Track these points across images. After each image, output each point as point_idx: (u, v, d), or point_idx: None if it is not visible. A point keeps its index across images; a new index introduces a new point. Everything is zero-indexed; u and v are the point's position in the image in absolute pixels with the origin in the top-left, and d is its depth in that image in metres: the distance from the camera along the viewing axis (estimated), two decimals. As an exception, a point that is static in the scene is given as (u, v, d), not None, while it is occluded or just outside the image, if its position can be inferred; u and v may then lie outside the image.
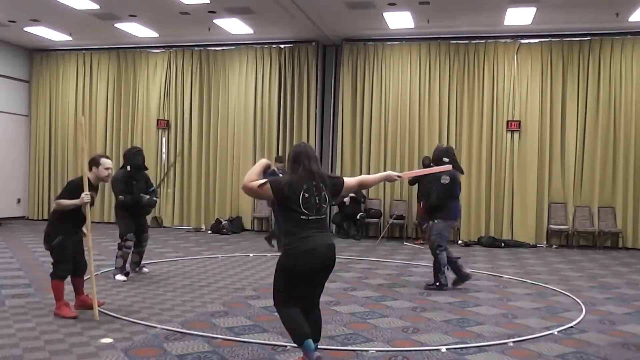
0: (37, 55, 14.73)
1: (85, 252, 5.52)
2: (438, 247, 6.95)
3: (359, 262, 9.14)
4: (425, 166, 11.12)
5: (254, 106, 13.34)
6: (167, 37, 13.12)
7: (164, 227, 13.63)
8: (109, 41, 13.62)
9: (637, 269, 9.15)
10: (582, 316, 5.78)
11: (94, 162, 5.53)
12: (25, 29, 12.58)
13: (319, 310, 4.05)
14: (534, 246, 11.71)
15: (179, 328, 5.00)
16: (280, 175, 8.63)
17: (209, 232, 13.01)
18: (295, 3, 10.27)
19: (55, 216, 5.46)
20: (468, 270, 7.18)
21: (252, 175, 3.93)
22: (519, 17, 10.76)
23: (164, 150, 13.92)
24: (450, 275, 7.10)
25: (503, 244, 11.55)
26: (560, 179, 11.96)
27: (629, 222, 11.53)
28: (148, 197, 7.34)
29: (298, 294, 3.87)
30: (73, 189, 5.34)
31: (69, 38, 13.27)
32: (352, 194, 11.81)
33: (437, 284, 6.99)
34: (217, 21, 11.52)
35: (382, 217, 12.51)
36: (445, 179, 6.91)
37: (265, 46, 13.29)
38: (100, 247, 9.81)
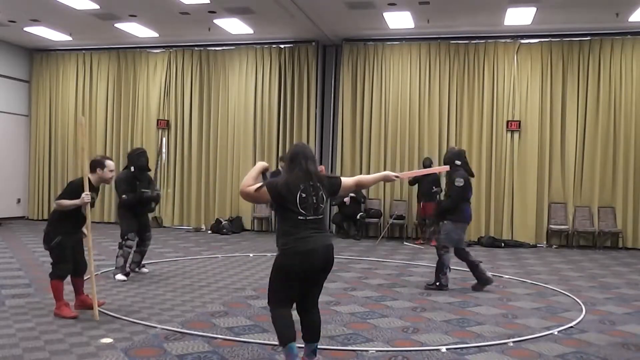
0: (37, 55, 14.73)
1: (85, 252, 5.52)
2: (443, 247, 6.92)
3: (359, 262, 9.14)
4: (425, 167, 11.14)
5: (254, 106, 13.34)
6: (167, 37, 13.12)
7: (164, 227, 13.63)
8: (109, 41, 13.62)
9: (637, 269, 9.15)
10: (582, 316, 5.78)
11: (98, 164, 5.52)
12: (25, 29, 12.58)
13: (317, 311, 4.03)
14: (534, 246, 11.72)
15: (179, 328, 5.00)
16: None
17: (209, 232, 13.01)
18: (295, 3, 10.27)
19: (55, 216, 5.46)
20: (490, 274, 7.07)
21: (249, 180, 3.90)
22: (519, 17, 10.76)
23: (164, 150, 13.89)
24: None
25: (503, 244, 11.56)
26: (560, 179, 11.96)
27: (629, 222, 11.53)
28: (150, 191, 7.35)
29: (294, 294, 3.85)
30: (73, 189, 5.34)
31: (69, 38, 13.28)
32: (352, 194, 11.81)
33: (437, 284, 6.98)
34: (217, 21, 11.52)
35: (382, 217, 12.51)
36: (460, 182, 6.84)
37: (265, 46, 13.29)
38: (100, 247, 9.81)
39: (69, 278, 5.48)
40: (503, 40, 12.17)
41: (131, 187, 7.24)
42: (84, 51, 14.39)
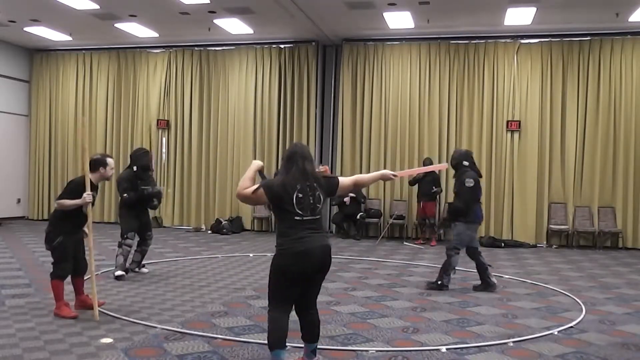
0: (37, 55, 14.73)
1: (86, 252, 5.52)
2: (454, 248, 6.87)
3: (359, 262, 9.14)
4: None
5: (254, 106, 13.34)
6: (167, 37, 13.12)
7: (164, 227, 13.63)
8: (109, 41, 13.62)
9: (637, 269, 9.15)
10: (582, 316, 5.78)
11: (101, 163, 5.53)
12: (25, 29, 12.58)
13: (316, 311, 4.01)
14: (534, 246, 11.71)
15: (179, 328, 5.01)
16: None
17: (209, 232, 13.01)
18: (295, 3, 10.27)
19: (56, 216, 5.46)
20: (495, 280, 7.05)
21: (246, 182, 3.86)
22: (519, 17, 10.76)
23: (164, 150, 13.92)
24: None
25: (503, 244, 11.55)
26: (560, 179, 11.96)
27: (629, 222, 11.53)
28: (150, 188, 7.36)
29: (293, 295, 3.82)
30: (73, 188, 5.34)
31: (69, 38, 13.28)
32: (352, 194, 11.81)
33: (439, 282, 6.95)
34: (217, 21, 11.52)
35: (382, 217, 12.51)
36: (470, 182, 6.78)
37: (265, 46, 13.29)
38: (100, 247, 9.81)
39: (69, 278, 5.48)
40: (503, 40, 12.17)
41: (132, 186, 7.26)
42: (84, 51, 14.39)
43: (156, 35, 12.81)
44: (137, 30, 12.41)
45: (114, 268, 7.34)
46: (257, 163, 4.04)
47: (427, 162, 11.52)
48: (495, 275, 8.02)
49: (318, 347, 4.08)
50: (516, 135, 12.10)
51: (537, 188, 11.91)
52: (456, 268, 7.05)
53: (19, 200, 14.69)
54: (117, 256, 7.26)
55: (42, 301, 5.87)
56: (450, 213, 7.15)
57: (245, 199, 3.87)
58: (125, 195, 7.24)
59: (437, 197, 11.78)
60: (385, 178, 4.28)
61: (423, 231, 11.83)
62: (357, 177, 4.26)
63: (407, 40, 12.63)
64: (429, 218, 11.59)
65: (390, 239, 12.23)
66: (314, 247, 3.74)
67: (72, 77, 14.54)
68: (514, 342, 4.85)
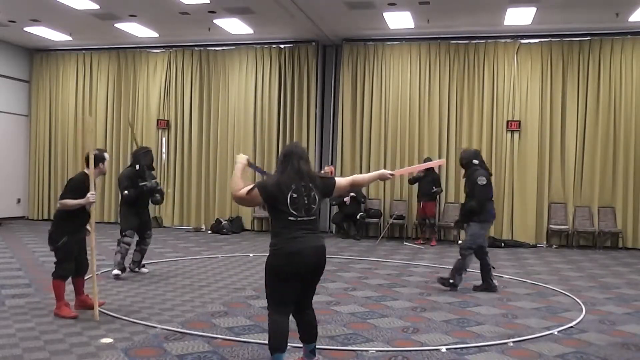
0: (37, 55, 14.73)
1: (88, 252, 5.52)
2: (468, 248, 6.80)
3: (359, 262, 9.13)
4: (425, 167, 11.11)
5: (254, 106, 13.34)
6: (167, 37, 13.12)
7: (164, 227, 13.63)
8: (109, 41, 13.62)
9: (637, 269, 9.15)
10: (582, 316, 5.78)
11: (100, 159, 5.55)
12: (25, 29, 12.58)
13: (312, 311, 3.98)
14: (534, 246, 11.72)
15: (179, 328, 5.01)
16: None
17: (209, 232, 13.01)
18: (295, 3, 10.27)
19: (59, 216, 5.44)
20: (496, 282, 7.03)
21: (238, 183, 3.81)
22: (519, 17, 10.76)
23: (164, 150, 13.92)
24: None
25: (503, 244, 11.55)
26: (560, 179, 11.96)
27: (629, 222, 11.53)
28: (148, 182, 7.36)
29: (288, 295, 3.75)
30: (75, 187, 5.35)
31: (69, 38, 13.28)
32: (352, 194, 11.81)
33: (451, 281, 6.86)
34: (217, 21, 11.52)
35: (382, 217, 12.51)
36: (482, 180, 6.73)
37: (265, 46, 13.29)
38: (100, 247, 9.81)
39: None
40: (503, 40, 12.17)
41: (133, 184, 7.30)
42: (84, 51, 14.39)
43: (156, 35, 12.81)
44: (137, 30, 12.41)
45: (113, 265, 7.36)
46: (241, 159, 3.98)
47: (427, 161, 11.51)
48: (496, 276, 8.03)
49: (318, 347, 4.08)
50: (516, 135, 12.10)
51: (537, 188, 11.91)
52: (481, 270, 6.97)
53: (19, 200, 14.69)
54: (115, 254, 7.30)
55: (42, 301, 5.87)
56: (464, 213, 7.01)
57: (240, 200, 3.84)
58: (125, 192, 7.28)
59: (437, 197, 11.78)
60: (383, 178, 4.24)
61: (423, 231, 11.83)
62: (354, 177, 4.22)
63: (407, 40, 12.63)
64: (429, 218, 11.59)
65: (390, 239, 12.23)
66: (307, 247, 3.71)
67: (72, 77, 14.54)
68: (514, 342, 4.85)
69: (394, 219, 12.17)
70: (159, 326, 5.05)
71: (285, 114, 13.19)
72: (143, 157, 7.48)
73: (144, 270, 7.66)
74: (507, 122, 12.08)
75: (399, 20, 11.18)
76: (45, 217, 14.45)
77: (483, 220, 6.83)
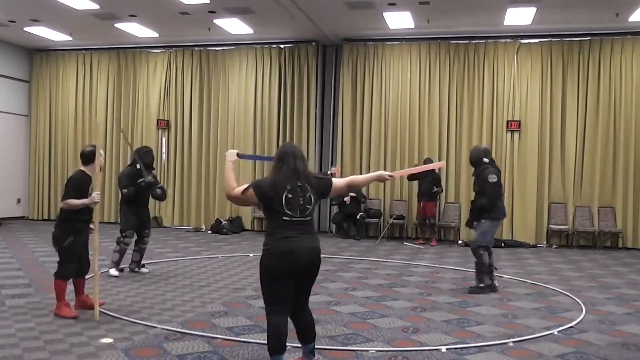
0: (37, 55, 14.73)
1: (90, 252, 5.53)
2: (481, 247, 6.77)
3: (359, 262, 9.13)
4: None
5: (254, 106, 13.34)
6: (167, 37, 13.12)
7: (164, 227, 13.64)
8: (109, 41, 13.63)
9: (637, 269, 9.15)
10: (582, 316, 5.78)
11: (93, 154, 5.52)
12: (25, 29, 12.58)
13: (309, 311, 3.94)
14: (534, 246, 11.71)
15: (179, 328, 5.01)
16: None
17: (209, 232, 13.01)
18: (295, 3, 10.27)
19: (63, 216, 5.43)
20: (496, 283, 6.99)
21: (232, 182, 3.79)
22: (519, 17, 10.76)
23: (164, 150, 13.92)
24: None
25: (503, 244, 11.55)
26: (560, 179, 11.96)
27: (629, 222, 11.53)
28: (145, 178, 7.36)
29: (284, 295, 3.71)
30: (76, 186, 5.35)
31: (69, 38, 13.28)
32: (352, 194, 11.81)
33: (481, 285, 6.74)
34: (217, 21, 11.52)
35: (382, 217, 12.51)
36: (493, 178, 6.70)
37: (265, 46, 13.29)
38: (100, 247, 9.78)
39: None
40: (503, 40, 12.17)
41: (132, 182, 7.32)
42: (84, 51, 14.39)
43: (156, 35, 12.81)
44: (137, 30, 12.41)
45: (109, 263, 7.38)
46: (230, 156, 3.96)
47: (427, 162, 11.50)
48: (496, 276, 8.03)
49: (318, 347, 4.07)
50: (516, 135, 12.10)
51: (537, 188, 11.91)
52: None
53: (19, 200, 14.69)
54: (113, 252, 7.35)
55: (42, 301, 5.87)
56: (475, 210, 6.97)
57: (235, 199, 3.82)
58: (125, 190, 7.31)
59: (437, 197, 11.78)
60: (381, 179, 4.20)
61: (423, 231, 11.83)
62: (352, 178, 4.17)
63: (407, 40, 12.63)
64: (429, 218, 11.60)
65: (390, 239, 12.23)
66: (300, 247, 3.67)
67: (72, 77, 14.54)
68: (514, 342, 4.85)
69: (394, 219, 12.17)
70: (159, 326, 5.05)
71: (285, 114, 13.19)
72: (144, 157, 7.51)
73: (144, 270, 7.66)
74: (507, 122, 12.08)
75: (399, 20, 11.18)
76: (45, 217, 14.45)
77: (494, 218, 6.82)
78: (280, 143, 13.10)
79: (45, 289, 6.24)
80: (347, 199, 11.97)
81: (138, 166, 7.37)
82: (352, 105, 12.90)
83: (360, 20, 11.35)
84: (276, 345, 3.71)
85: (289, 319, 3.84)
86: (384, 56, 12.79)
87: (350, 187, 4.14)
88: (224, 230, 12.69)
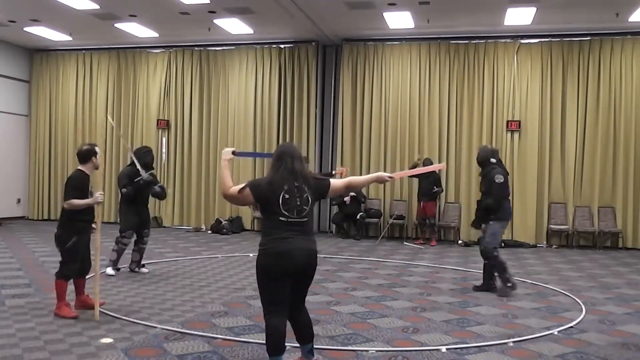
0: (37, 55, 14.73)
1: (92, 252, 5.53)
2: (493, 249, 6.74)
3: (359, 262, 9.13)
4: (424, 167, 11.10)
5: (254, 106, 13.34)
6: (167, 37, 13.12)
7: (164, 227, 13.64)
8: (109, 41, 13.63)
9: (637, 269, 9.15)
10: (582, 316, 5.78)
11: (92, 153, 5.52)
12: (25, 29, 12.58)
13: (305, 312, 3.93)
14: (534, 246, 11.71)
15: (179, 328, 5.01)
16: None
17: (209, 232, 13.01)
18: (295, 3, 10.27)
19: (66, 216, 5.43)
20: (498, 284, 6.96)
21: (228, 181, 3.77)
22: (519, 17, 10.76)
23: (164, 150, 13.92)
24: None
25: (503, 244, 11.49)
26: (560, 179, 11.96)
27: (629, 222, 11.53)
28: (142, 176, 7.35)
29: (281, 296, 3.68)
30: (76, 185, 5.36)
31: (69, 38, 13.28)
32: (352, 194, 11.81)
33: (509, 285, 6.68)
34: (217, 21, 11.52)
35: (382, 217, 12.51)
36: (500, 178, 6.68)
37: (265, 46, 13.29)
38: (101, 246, 9.79)
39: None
40: (503, 40, 12.17)
41: (131, 182, 7.32)
42: (84, 51, 14.39)
43: (156, 35, 12.81)
44: (137, 30, 12.41)
45: (107, 261, 7.40)
46: (226, 155, 3.95)
47: (428, 162, 11.50)
48: (496, 275, 8.03)
49: (318, 347, 4.07)
50: (516, 135, 12.10)
51: (537, 188, 11.90)
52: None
53: (19, 200, 14.69)
54: (111, 251, 7.36)
55: (42, 301, 5.87)
56: (481, 210, 6.94)
57: (231, 199, 3.80)
58: (123, 190, 7.32)
59: (438, 197, 11.78)
60: (380, 180, 4.17)
61: (423, 231, 11.83)
62: (350, 179, 4.14)
63: (407, 40, 12.63)
64: (429, 218, 11.60)
65: (390, 239, 12.23)
66: (296, 248, 3.64)
67: (72, 77, 14.54)
68: (514, 342, 4.85)
69: (394, 219, 12.17)
70: (159, 326, 5.06)
71: (285, 114, 13.19)
72: (144, 157, 7.52)
73: (143, 270, 7.66)
74: (507, 122, 12.08)
75: (399, 20, 11.18)
76: (45, 217, 14.46)
77: (501, 219, 6.80)
78: (280, 143, 13.11)
79: (45, 289, 6.24)
80: (347, 199, 11.98)
81: (138, 166, 7.36)
82: (352, 105, 12.90)
83: (360, 20, 11.35)
84: (275, 345, 3.71)
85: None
86: (384, 56, 12.78)
87: (349, 188, 4.12)
88: (224, 230, 12.69)
